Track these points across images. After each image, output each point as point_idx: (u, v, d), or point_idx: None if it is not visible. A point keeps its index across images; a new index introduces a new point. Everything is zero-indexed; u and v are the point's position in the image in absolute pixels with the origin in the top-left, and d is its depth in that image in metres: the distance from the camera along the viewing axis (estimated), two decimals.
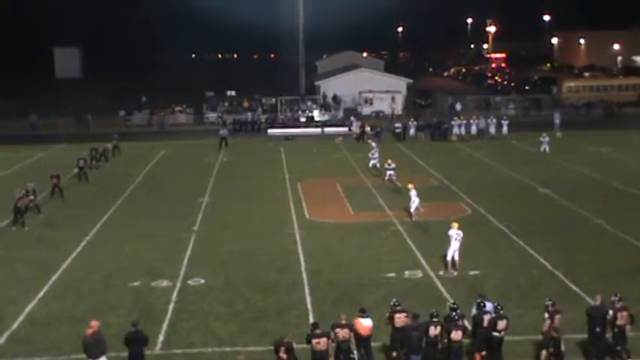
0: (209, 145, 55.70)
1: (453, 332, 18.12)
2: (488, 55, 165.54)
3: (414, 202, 32.80)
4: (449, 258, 25.66)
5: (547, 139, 50.18)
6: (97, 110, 71.62)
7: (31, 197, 34.34)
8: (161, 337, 20.71)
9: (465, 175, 42.88)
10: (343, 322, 18.29)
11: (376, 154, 44.44)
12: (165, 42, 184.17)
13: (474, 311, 19.18)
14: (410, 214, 32.91)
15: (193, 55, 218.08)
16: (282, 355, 17.32)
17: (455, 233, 25.58)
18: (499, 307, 18.87)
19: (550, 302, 18.71)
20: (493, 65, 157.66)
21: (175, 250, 28.81)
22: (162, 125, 69.31)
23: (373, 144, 47.30)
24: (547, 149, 49.56)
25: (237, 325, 21.50)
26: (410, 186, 33.52)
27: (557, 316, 18.39)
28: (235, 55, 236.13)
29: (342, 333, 18.04)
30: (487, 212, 33.85)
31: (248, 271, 26.22)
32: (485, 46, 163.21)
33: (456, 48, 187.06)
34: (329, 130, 64.00)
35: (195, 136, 62.74)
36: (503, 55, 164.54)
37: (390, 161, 40.76)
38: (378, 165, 43.81)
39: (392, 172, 40.01)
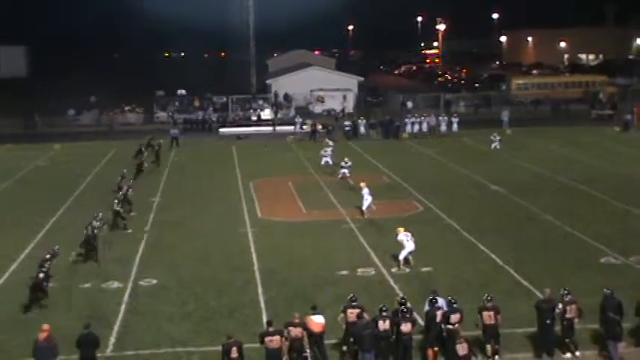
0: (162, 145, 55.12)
1: (403, 324, 18.35)
2: (423, 52, 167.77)
3: (367, 200, 32.94)
4: (401, 257, 25.82)
5: (498, 138, 51.08)
6: (45, 110, 70.56)
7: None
8: (112, 339, 20.49)
9: (416, 173, 43.17)
10: (297, 320, 18.30)
11: (329, 152, 44.57)
12: (112, 41, 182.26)
13: (426, 307, 19.36)
14: (362, 212, 33.03)
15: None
16: (234, 355, 17.28)
17: (404, 236, 25.73)
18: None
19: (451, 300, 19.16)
20: (427, 61, 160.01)
21: (126, 251, 28.51)
22: (111, 125, 68.55)
23: (330, 142, 47.25)
24: (498, 146, 50.33)
25: (190, 326, 21.38)
26: (362, 184, 33.69)
27: (453, 316, 18.71)
28: (182, 54, 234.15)
29: (295, 332, 18.05)
30: (439, 209, 34.12)
31: (200, 271, 26.09)
32: (436, 43, 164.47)
33: (406, 46, 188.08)
34: (281, 128, 63.88)
35: (145, 136, 61.97)
36: (437, 51, 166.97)
37: (346, 159, 40.93)
38: (330, 162, 43.94)
39: (346, 170, 40.12)
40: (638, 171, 42.16)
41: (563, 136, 55.98)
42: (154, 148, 48.13)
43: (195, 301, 23.27)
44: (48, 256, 24.11)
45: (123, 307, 22.83)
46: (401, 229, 26.11)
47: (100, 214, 28.72)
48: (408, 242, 25.66)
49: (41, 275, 22.88)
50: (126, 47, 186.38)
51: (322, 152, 44.91)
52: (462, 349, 17.76)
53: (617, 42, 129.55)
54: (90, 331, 18.11)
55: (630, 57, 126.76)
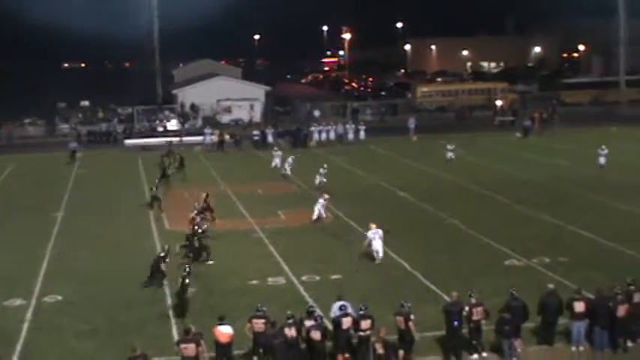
0: (62, 158, 53.86)
1: (312, 332, 18.41)
2: (323, 60, 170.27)
3: (321, 210, 33.04)
4: (375, 253, 26.92)
5: (453, 146, 48.45)
6: None
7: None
8: (15, 359, 19.84)
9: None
10: (189, 337, 18.15)
11: (289, 160, 44.51)
12: (7, 51, 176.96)
13: (335, 313, 19.50)
14: (317, 220, 32.95)
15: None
16: None
17: (371, 233, 26.80)
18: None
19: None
20: (327, 69, 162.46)
21: (29, 267, 27.69)
22: (9, 138, 66.45)
23: (280, 152, 47.58)
24: (452, 156, 48.00)
25: (97, 342, 20.90)
26: (326, 196, 33.72)
27: (364, 322, 18.89)
28: (83, 65, 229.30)
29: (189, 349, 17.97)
30: (348, 217, 34.29)
31: (108, 286, 25.54)
32: (342, 52, 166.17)
33: (312, 55, 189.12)
34: (188, 139, 63.20)
35: (47, 149, 60.49)
36: (335, 59, 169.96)
37: (325, 166, 41.00)
38: (288, 171, 43.84)
39: (323, 178, 39.93)
40: (538, 175, 43.35)
41: (467, 142, 57.05)
42: (176, 156, 47.63)
43: (103, 316, 22.76)
44: (162, 254, 24.93)
45: (26, 325, 22.13)
46: (373, 225, 27.05)
47: (205, 225, 29.21)
48: (375, 241, 26.76)
49: (187, 281, 22.52)
50: (22, 58, 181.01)
51: (286, 164, 44.50)
52: (379, 347, 18.05)
53: (517, 50, 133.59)
54: None
55: (529, 65, 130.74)
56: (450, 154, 48.12)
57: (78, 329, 21.79)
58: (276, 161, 46.42)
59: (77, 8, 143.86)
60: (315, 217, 33.00)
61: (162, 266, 24.94)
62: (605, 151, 43.31)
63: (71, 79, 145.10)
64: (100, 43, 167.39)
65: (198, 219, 29.69)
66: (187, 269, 23.19)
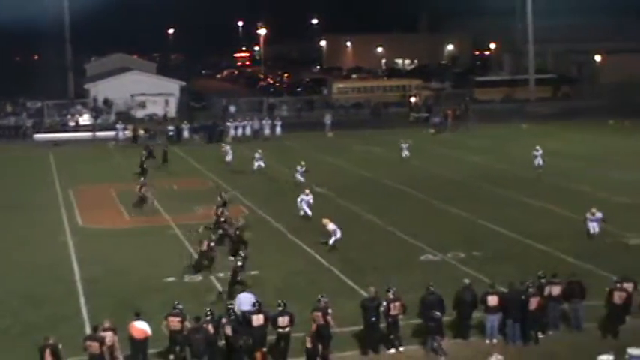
0: None
1: (225, 327, 18.48)
2: (235, 56, 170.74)
3: (306, 206, 32.91)
4: (331, 242, 27.94)
5: (407, 144, 48.10)
6: None
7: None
8: None
9: (240, 177, 43.12)
10: (105, 327, 18.07)
11: (257, 156, 44.07)
12: None
13: (239, 306, 19.73)
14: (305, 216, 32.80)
15: None
16: (48, 357, 16.90)
17: (332, 226, 27.93)
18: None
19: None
20: (239, 64, 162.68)
21: None
22: None
23: (228, 147, 47.34)
24: (407, 154, 47.65)
25: (6, 342, 20.38)
26: (307, 190, 33.64)
27: (281, 318, 18.97)
28: None
29: (94, 346, 17.84)
30: (264, 213, 34.24)
31: (17, 283, 24.95)
32: (257, 48, 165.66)
33: (228, 50, 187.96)
34: (101, 134, 62.00)
35: None
36: (247, 54, 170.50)
37: (303, 163, 40.32)
38: (262, 165, 43.58)
39: (300, 176, 39.47)
40: (453, 171, 44.00)
41: (383, 139, 57.58)
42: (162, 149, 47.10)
43: (12, 315, 22.22)
44: (211, 243, 26.09)
45: None
46: (327, 220, 27.98)
47: (243, 218, 29.38)
48: (338, 230, 27.58)
49: (239, 263, 23.50)
50: None
51: (258, 161, 43.91)
52: (308, 342, 18.31)
53: (430, 48, 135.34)
54: None
55: (443, 62, 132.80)
56: (405, 153, 47.64)
57: None
58: (229, 157, 45.94)
59: None
60: (302, 213, 32.70)
61: (213, 254, 25.61)
62: (540, 152, 43.67)
63: None
64: (6, 35, 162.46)
65: (227, 213, 29.71)
66: (243, 254, 24.05)
